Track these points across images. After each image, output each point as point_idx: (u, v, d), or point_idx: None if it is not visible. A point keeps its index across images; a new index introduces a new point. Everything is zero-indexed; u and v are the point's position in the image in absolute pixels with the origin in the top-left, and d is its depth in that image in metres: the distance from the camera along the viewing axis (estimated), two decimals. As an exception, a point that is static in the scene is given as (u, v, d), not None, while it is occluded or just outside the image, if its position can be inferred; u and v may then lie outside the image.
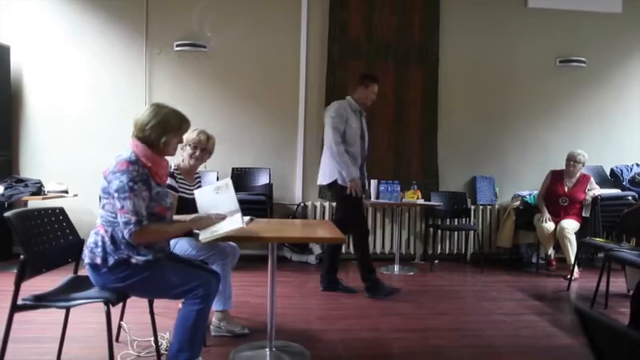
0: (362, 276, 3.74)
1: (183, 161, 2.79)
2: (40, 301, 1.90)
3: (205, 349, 2.47)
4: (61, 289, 2.05)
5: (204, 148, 2.78)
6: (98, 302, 1.91)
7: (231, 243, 2.70)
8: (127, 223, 1.88)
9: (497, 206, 5.41)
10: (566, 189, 4.73)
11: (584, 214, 4.71)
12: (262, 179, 5.07)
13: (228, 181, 2.29)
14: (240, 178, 5.03)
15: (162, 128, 2.01)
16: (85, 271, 2.03)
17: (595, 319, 0.88)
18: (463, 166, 5.46)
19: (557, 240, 4.58)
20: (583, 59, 5.50)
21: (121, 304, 2.34)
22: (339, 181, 3.63)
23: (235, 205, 2.21)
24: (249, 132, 5.21)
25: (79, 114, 5.04)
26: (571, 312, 3.47)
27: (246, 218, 2.47)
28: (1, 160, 4.77)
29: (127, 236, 1.89)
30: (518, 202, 5.15)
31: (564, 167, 4.75)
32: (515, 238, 5.15)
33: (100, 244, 1.94)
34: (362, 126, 3.80)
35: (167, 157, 2.12)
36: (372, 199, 4.68)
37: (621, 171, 5.25)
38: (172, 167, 2.73)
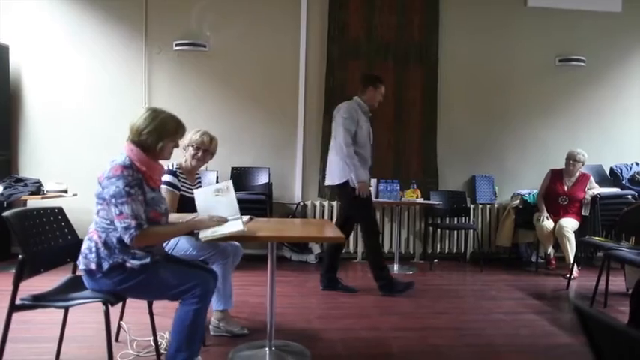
0: (374, 275, 3.76)
1: (185, 161, 2.80)
2: (39, 301, 1.90)
3: (204, 349, 2.47)
4: (60, 288, 2.05)
5: (206, 149, 2.78)
6: (97, 302, 1.91)
7: (234, 242, 2.71)
8: (127, 228, 1.86)
9: (496, 205, 5.41)
10: (565, 188, 4.73)
11: (583, 213, 4.72)
12: (262, 179, 5.07)
13: (229, 184, 2.29)
14: (240, 178, 5.03)
15: (159, 133, 2.00)
16: (84, 271, 2.02)
17: (594, 318, 0.88)
18: (462, 165, 5.46)
19: (557, 239, 4.59)
20: (582, 58, 5.50)
21: (120, 304, 2.33)
22: (351, 183, 3.63)
23: (235, 209, 2.21)
24: (249, 131, 5.21)
25: (79, 113, 5.04)
26: (570, 311, 3.47)
27: (246, 217, 2.47)
28: (0, 159, 4.77)
29: (128, 241, 1.88)
30: (517, 201, 5.16)
31: (564, 166, 4.76)
32: (514, 237, 5.15)
33: (93, 249, 1.93)
34: (369, 127, 3.80)
35: (161, 162, 2.12)
36: (372, 198, 4.67)
37: (620, 170, 5.25)
38: (175, 166, 2.74)
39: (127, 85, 5.08)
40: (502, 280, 4.37)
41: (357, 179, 3.57)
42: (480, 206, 5.38)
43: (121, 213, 1.87)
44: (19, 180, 4.38)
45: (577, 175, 4.74)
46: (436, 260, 5.21)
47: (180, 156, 2.80)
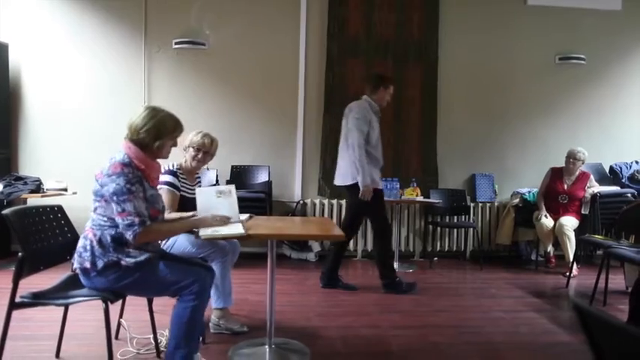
0: (380, 273, 3.77)
1: (185, 162, 2.80)
2: (39, 299, 1.90)
3: (204, 347, 2.47)
4: (60, 286, 2.05)
5: (207, 151, 2.78)
6: (96, 300, 1.91)
7: (232, 240, 2.71)
8: (130, 225, 1.86)
9: (496, 203, 5.41)
10: (565, 186, 4.73)
11: (583, 212, 4.71)
12: (261, 177, 5.07)
13: (232, 187, 2.30)
14: (240, 176, 5.03)
15: (157, 132, 2.00)
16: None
17: (594, 316, 0.88)
18: (462, 163, 5.46)
19: (557, 237, 4.59)
20: (582, 56, 5.49)
21: (120, 302, 2.33)
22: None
23: (235, 213, 2.22)
24: (249, 130, 5.20)
25: (78, 112, 5.03)
26: (570, 309, 3.47)
27: (245, 215, 2.48)
28: (0, 157, 4.77)
29: (130, 238, 1.88)
30: (517, 200, 5.16)
31: (564, 165, 4.76)
32: (514, 235, 5.15)
33: (88, 247, 1.93)
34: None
35: (160, 161, 2.12)
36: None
37: (620, 168, 5.25)
38: (175, 166, 2.75)
39: (126, 83, 5.08)
40: (502, 279, 4.38)
41: (362, 182, 3.56)
42: (480, 204, 5.38)
43: (123, 210, 1.87)
44: (19, 178, 4.38)
45: (577, 173, 4.74)
46: (436, 258, 5.21)
47: (180, 156, 2.80)
